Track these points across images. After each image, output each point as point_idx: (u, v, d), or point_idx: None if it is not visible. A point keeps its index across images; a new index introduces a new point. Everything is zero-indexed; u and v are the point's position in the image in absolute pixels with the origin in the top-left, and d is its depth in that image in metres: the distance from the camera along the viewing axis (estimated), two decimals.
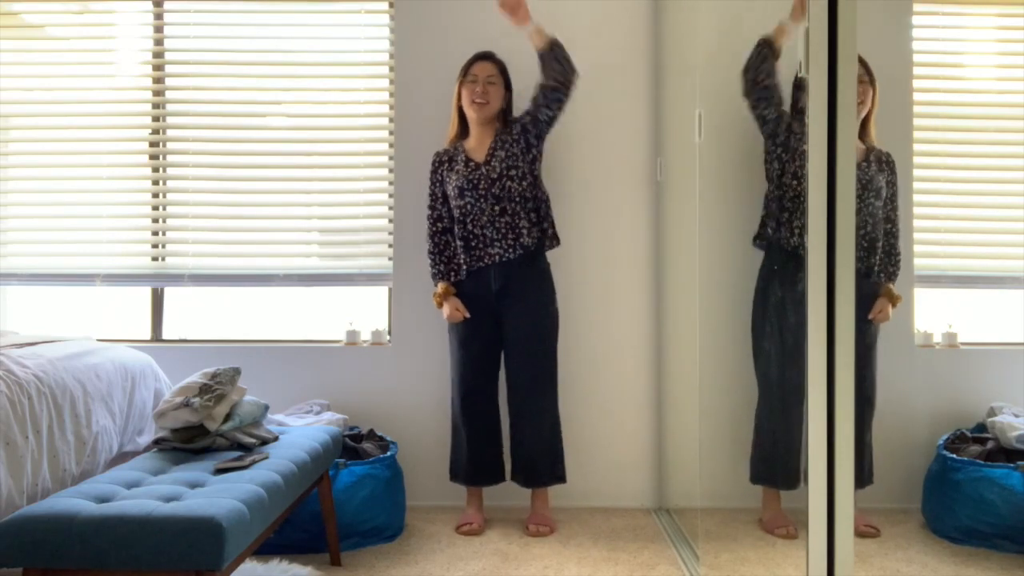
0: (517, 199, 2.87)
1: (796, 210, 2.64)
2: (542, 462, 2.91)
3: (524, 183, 2.89)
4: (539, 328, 2.90)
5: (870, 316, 2.69)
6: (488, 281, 2.88)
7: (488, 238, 2.86)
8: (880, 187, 2.67)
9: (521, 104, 3.00)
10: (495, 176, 2.87)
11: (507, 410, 2.96)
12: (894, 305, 2.71)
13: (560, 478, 2.95)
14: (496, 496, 3.08)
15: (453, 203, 2.92)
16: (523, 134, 2.91)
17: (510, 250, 2.86)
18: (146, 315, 3.39)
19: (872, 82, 2.69)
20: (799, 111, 2.71)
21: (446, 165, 2.96)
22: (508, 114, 2.99)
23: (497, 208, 2.86)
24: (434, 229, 2.97)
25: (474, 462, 2.93)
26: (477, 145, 2.95)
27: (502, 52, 3.02)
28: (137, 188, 3.38)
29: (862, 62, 2.62)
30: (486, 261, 2.87)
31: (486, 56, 2.96)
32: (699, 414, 2.68)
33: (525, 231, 2.87)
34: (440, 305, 2.95)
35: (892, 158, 2.73)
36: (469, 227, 2.88)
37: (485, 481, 2.96)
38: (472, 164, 2.90)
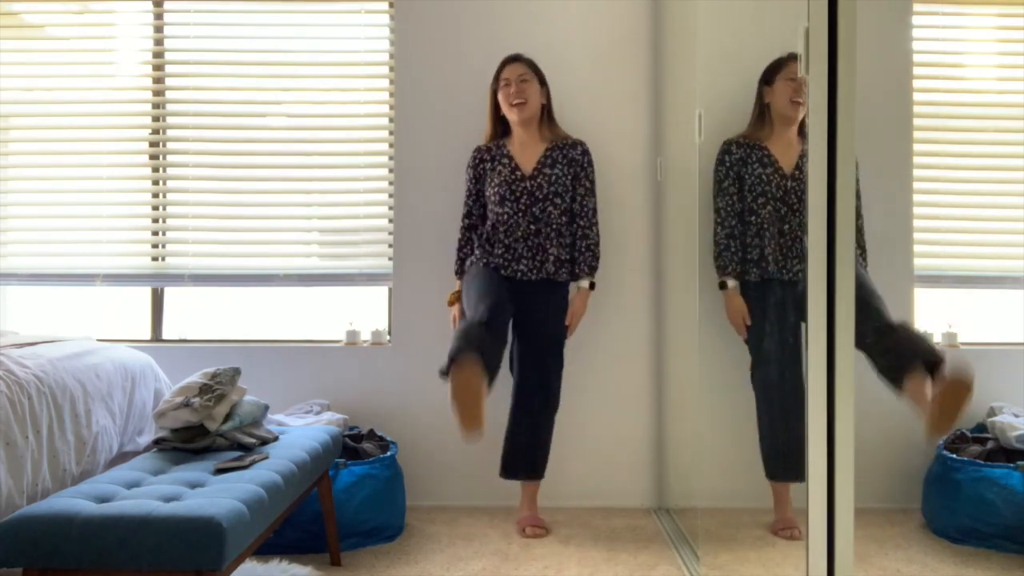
0: (554, 224, 2.86)
1: (765, 238, 2.68)
2: (534, 454, 2.88)
3: (563, 216, 2.89)
4: (552, 331, 2.89)
5: None
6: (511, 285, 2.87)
7: (516, 252, 2.86)
8: None
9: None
10: (540, 195, 2.86)
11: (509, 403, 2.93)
12: None
13: (540, 474, 2.91)
14: (497, 496, 3.08)
15: (491, 207, 2.91)
16: (575, 168, 2.92)
17: (533, 271, 2.86)
18: (146, 315, 3.39)
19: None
20: (764, 106, 2.74)
21: (488, 164, 2.94)
22: (550, 111, 2.97)
23: (532, 227, 2.85)
24: (463, 224, 2.99)
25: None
26: (523, 150, 2.93)
27: (505, 51, 3.02)
28: (137, 188, 3.38)
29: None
30: (508, 273, 2.86)
31: (514, 58, 2.94)
32: (699, 414, 2.68)
33: (552, 257, 2.86)
34: (451, 304, 2.98)
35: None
36: (501, 236, 2.87)
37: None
38: (518, 173, 2.88)
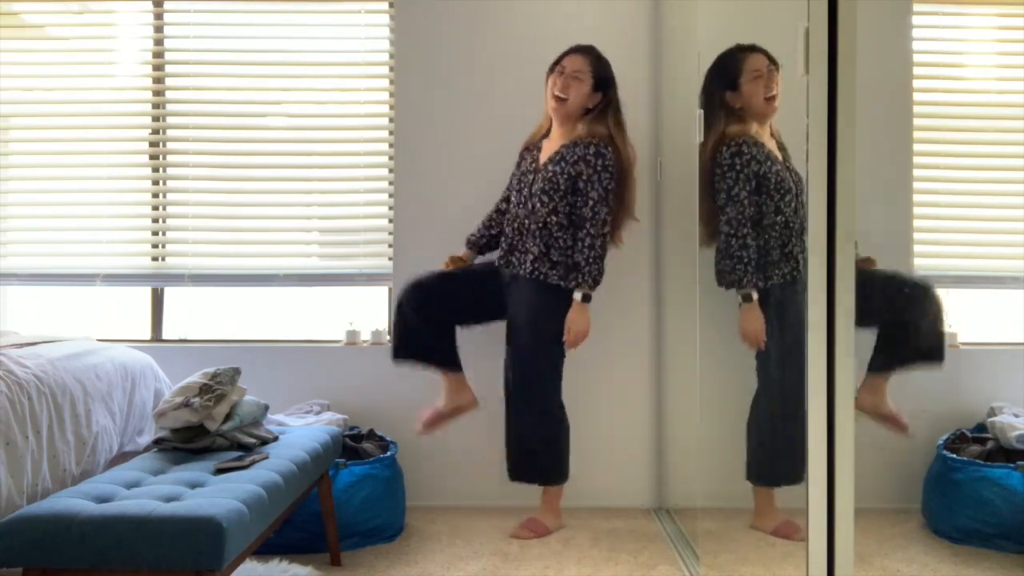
0: (540, 221, 2.76)
1: (786, 248, 2.59)
2: (525, 459, 2.86)
3: (552, 217, 2.73)
4: (531, 329, 2.79)
5: None
6: (502, 276, 2.88)
7: (512, 244, 2.85)
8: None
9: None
10: (535, 190, 2.77)
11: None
12: None
13: (538, 479, 2.86)
14: (497, 496, 3.08)
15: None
16: (579, 168, 2.72)
17: (508, 266, 2.84)
18: (146, 315, 3.39)
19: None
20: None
21: (526, 156, 2.92)
22: (598, 114, 2.78)
23: (526, 222, 2.82)
24: (496, 208, 3.01)
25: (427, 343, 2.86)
26: (550, 144, 2.85)
27: (505, 51, 3.01)
28: (137, 188, 3.38)
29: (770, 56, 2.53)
30: (498, 263, 2.88)
31: (579, 49, 2.80)
32: (699, 414, 2.68)
33: (532, 256, 2.77)
34: (445, 266, 2.95)
35: None
36: (504, 227, 2.90)
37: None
38: (533, 166, 2.83)
